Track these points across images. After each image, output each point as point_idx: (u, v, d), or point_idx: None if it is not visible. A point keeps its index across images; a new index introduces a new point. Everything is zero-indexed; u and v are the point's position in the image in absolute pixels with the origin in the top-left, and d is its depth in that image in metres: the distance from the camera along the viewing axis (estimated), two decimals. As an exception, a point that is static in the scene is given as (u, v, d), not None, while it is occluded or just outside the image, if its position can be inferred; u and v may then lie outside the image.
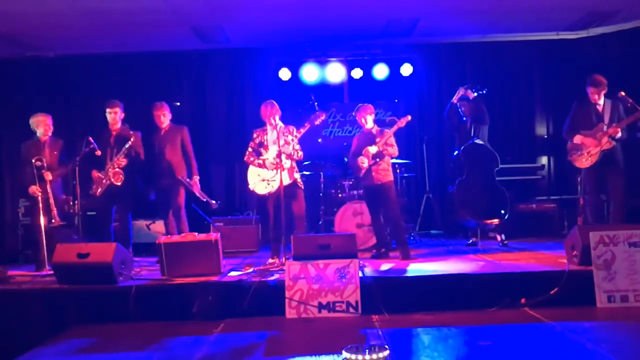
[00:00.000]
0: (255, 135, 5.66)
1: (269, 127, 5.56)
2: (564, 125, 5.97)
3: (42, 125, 5.84)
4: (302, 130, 5.53)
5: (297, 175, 5.56)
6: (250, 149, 5.63)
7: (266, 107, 5.55)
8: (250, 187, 5.61)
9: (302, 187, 5.61)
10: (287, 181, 5.43)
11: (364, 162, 5.75)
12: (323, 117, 5.63)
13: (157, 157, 6.00)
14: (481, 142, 6.16)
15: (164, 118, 6.02)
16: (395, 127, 5.78)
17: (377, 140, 5.76)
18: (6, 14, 6.48)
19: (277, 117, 5.55)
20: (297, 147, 5.53)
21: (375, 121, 5.98)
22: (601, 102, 5.68)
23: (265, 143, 5.56)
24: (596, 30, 7.92)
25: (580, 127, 5.72)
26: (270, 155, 5.49)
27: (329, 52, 8.20)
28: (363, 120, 5.89)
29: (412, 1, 6.67)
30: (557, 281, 4.40)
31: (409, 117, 5.80)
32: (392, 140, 5.81)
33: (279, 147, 5.38)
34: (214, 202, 6.25)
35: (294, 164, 5.57)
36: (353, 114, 6.02)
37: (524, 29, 7.89)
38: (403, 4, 6.73)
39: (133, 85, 8.15)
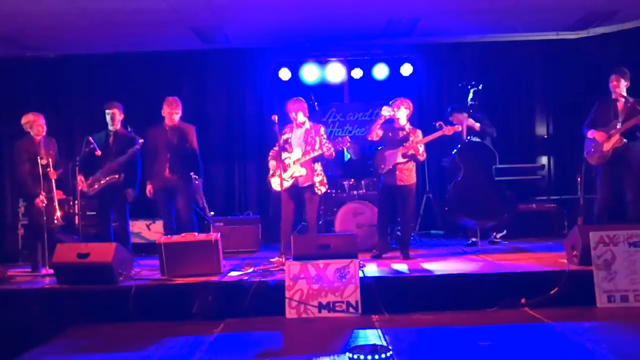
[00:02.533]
0: (283, 132, 5.63)
1: (294, 125, 5.56)
2: (586, 120, 5.81)
3: (35, 126, 5.74)
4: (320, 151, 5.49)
5: (317, 179, 5.53)
6: (276, 147, 5.61)
7: (289, 103, 5.57)
8: (269, 177, 5.68)
9: (320, 192, 5.57)
10: (304, 183, 5.48)
11: (394, 157, 5.59)
12: (348, 144, 5.55)
13: (164, 156, 5.78)
14: (477, 140, 6.11)
15: (178, 115, 5.84)
16: (438, 133, 5.60)
17: (411, 138, 5.60)
18: (6, 14, 6.47)
19: (299, 115, 5.53)
20: (328, 145, 5.46)
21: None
22: (623, 99, 5.54)
23: (290, 141, 5.54)
24: (596, 30, 7.92)
25: (599, 125, 5.62)
26: (294, 156, 5.50)
27: (329, 52, 8.20)
28: (395, 109, 5.64)
29: (412, 1, 6.67)
30: (557, 281, 4.40)
31: (459, 127, 5.64)
32: (423, 145, 5.64)
33: (303, 148, 5.43)
34: (211, 213, 6.16)
35: (316, 167, 5.56)
36: (390, 103, 5.76)
37: (524, 29, 7.89)
38: (403, 4, 6.73)
39: (133, 85, 8.15)
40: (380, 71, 8.17)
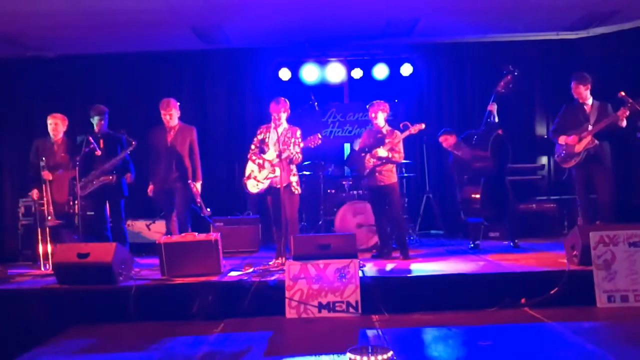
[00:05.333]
0: (259, 132, 5.62)
1: (272, 125, 5.50)
2: (552, 125, 6.01)
3: (52, 126, 5.90)
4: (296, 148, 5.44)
5: (292, 179, 5.47)
6: (253, 146, 5.60)
7: (273, 103, 5.51)
8: (244, 179, 5.62)
9: (297, 192, 5.49)
10: (282, 183, 5.42)
11: (370, 161, 5.71)
12: (319, 141, 5.47)
13: (163, 156, 5.85)
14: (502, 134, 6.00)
15: (173, 117, 5.87)
16: (406, 133, 5.69)
17: (387, 141, 5.67)
18: (6, 14, 6.48)
19: (283, 116, 5.48)
20: (297, 149, 5.40)
21: (387, 121, 5.85)
22: (589, 102, 5.71)
23: (267, 141, 5.52)
24: (596, 30, 7.93)
25: (569, 128, 5.75)
26: (269, 156, 5.47)
27: (329, 52, 8.20)
28: (373, 115, 5.77)
29: (412, 1, 6.67)
30: (557, 281, 4.40)
31: (423, 125, 5.69)
32: (400, 146, 5.70)
33: (278, 149, 5.36)
34: (208, 210, 6.16)
35: (292, 167, 5.49)
36: (367, 107, 5.88)
37: (524, 29, 7.90)
38: (403, 4, 6.73)
39: (133, 85, 8.16)
40: (380, 71, 8.17)
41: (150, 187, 5.93)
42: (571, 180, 5.92)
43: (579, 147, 5.62)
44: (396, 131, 5.76)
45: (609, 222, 5.39)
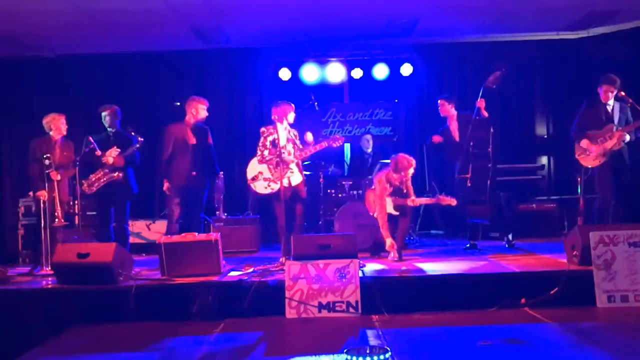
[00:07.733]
0: (267, 133, 5.54)
1: (279, 127, 5.49)
2: (573, 124, 5.92)
3: (54, 125, 5.80)
4: (318, 147, 5.52)
5: (300, 179, 5.55)
6: (262, 147, 5.53)
7: (282, 105, 5.56)
8: (249, 180, 5.58)
9: (304, 194, 5.56)
10: (295, 182, 5.47)
11: (414, 202, 5.63)
12: (341, 142, 5.60)
13: (189, 153, 5.77)
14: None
15: (204, 111, 5.86)
16: (433, 200, 5.78)
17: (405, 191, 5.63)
18: (6, 14, 6.48)
19: (291, 115, 5.56)
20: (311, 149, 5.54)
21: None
22: (611, 102, 5.69)
23: (277, 142, 5.45)
24: (596, 30, 7.93)
25: (589, 127, 5.71)
26: (285, 156, 5.42)
27: (329, 52, 8.21)
28: (402, 173, 5.57)
29: (412, 1, 6.67)
30: (557, 281, 4.40)
31: (454, 202, 5.55)
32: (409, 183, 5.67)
33: (291, 147, 5.45)
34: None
35: (297, 169, 5.55)
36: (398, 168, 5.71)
37: (524, 29, 7.90)
38: (403, 4, 6.73)
39: (133, 85, 8.16)
40: (380, 71, 8.17)
41: (166, 185, 5.84)
42: (593, 179, 5.82)
43: (605, 149, 5.58)
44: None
45: (620, 220, 5.40)
